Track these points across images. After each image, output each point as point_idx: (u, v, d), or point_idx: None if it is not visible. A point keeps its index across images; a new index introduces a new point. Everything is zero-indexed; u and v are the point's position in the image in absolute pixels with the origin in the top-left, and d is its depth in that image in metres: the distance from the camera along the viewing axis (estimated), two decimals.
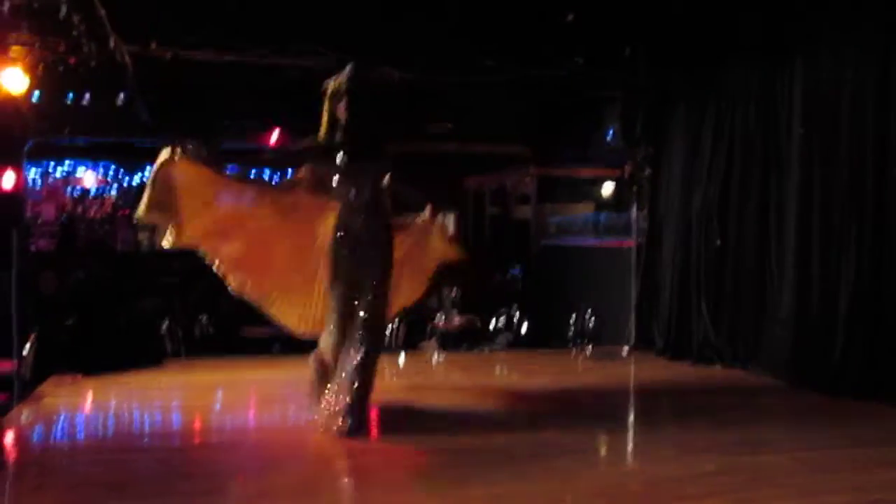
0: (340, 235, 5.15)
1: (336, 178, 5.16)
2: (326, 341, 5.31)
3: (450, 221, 5.82)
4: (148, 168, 5.91)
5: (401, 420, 5.61)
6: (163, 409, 6.15)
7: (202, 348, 8.68)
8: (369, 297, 5.06)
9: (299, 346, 9.01)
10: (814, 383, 6.36)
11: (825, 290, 6.47)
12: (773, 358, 6.93)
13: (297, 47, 7.61)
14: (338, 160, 5.14)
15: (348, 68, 5.22)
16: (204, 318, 9.38)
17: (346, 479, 4.39)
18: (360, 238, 5.13)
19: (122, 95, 8.42)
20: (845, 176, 6.32)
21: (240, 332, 9.37)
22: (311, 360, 5.47)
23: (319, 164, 5.28)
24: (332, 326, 5.23)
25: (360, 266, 5.09)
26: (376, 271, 5.13)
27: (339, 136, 5.15)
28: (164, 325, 8.54)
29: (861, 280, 6.15)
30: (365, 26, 7.29)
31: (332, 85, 5.20)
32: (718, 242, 7.64)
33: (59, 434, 5.46)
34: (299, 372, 7.50)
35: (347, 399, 4.99)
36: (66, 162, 13.00)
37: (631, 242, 9.04)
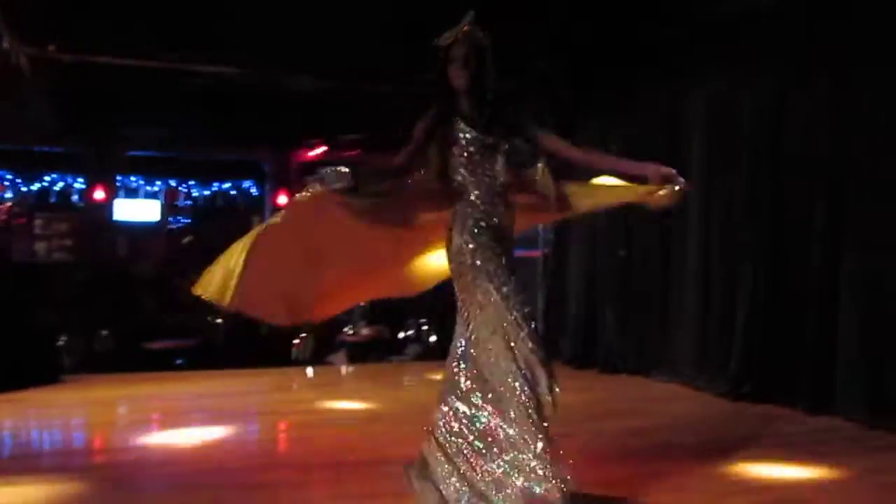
0: (477, 231, 3.80)
1: (463, 161, 3.86)
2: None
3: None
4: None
5: (310, 433, 5.55)
6: (63, 427, 5.93)
7: (102, 363, 8.41)
8: (526, 310, 3.74)
9: (202, 360, 8.92)
10: (714, 389, 6.57)
11: (725, 297, 6.69)
12: (676, 364, 7.13)
13: (212, 54, 7.46)
14: (463, 138, 3.86)
15: (466, 18, 3.99)
16: (104, 332, 9.10)
17: (255, 495, 4.30)
18: (503, 229, 3.89)
19: (22, 100, 8.11)
20: (744, 189, 6.55)
21: (141, 347, 9.13)
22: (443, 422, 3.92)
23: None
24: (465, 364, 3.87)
25: (509, 265, 3.83)
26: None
27: (463, 107, 3.90)
28: (62, 340, 8.25)
29: (757, 288, 6.38)
30: (280, 34, 7.20)
31: (445, 41, 3.97)
32: (623, 252, 7.81)
33: None
34: (204, 385, 7.38)
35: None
36: None
37: (537, 252, 9.16)
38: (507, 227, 3.91)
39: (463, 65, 3.90)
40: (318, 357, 9.10)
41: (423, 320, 9.66)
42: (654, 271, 7.56)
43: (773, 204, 6.30)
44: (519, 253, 9.79)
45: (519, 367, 3.61)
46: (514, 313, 3.66)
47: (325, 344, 9.47)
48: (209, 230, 15.37)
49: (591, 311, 8.26)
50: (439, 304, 11.39)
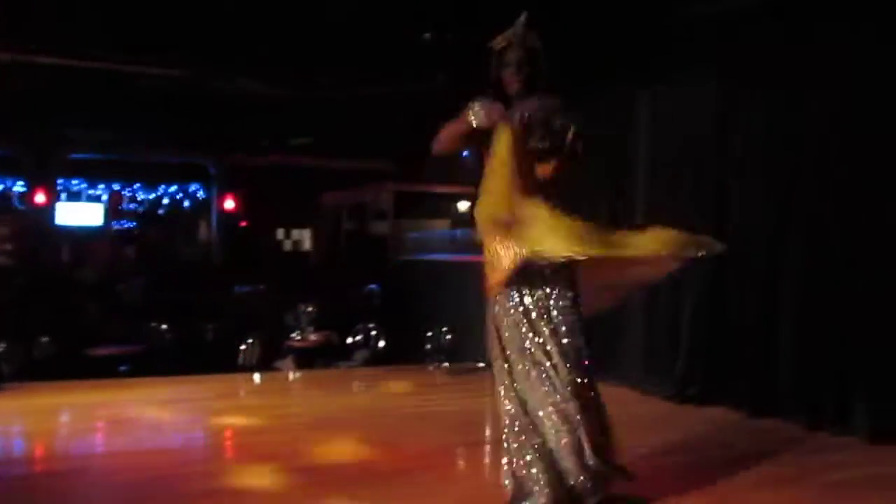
0: None
1: None
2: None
3: None
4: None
5: (257, 440, 5.49)
6: (2, 435, 5.79)
7: (43, 371, 8.22)
8: None
9: (147, 367, 8.78)
10: (662, 392, 6.64)
11: (670, 300, 6.78)
12: (624, 368, 7.19)
13: (154, 56, 7.36)
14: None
15: (520, 20, 3.89)
16: (44, 338, 8.90)
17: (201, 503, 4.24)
18: None
19: None
20: (689, 191, 6.65)
21: (84, 353, 8.96)
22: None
23: None
24: None
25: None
26: None
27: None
28: (1, 347, 8.05)
29: (703, 291, 6.48)
30: (225, 37, 7.13)
31: (498, 45, 3.88)
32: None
33: None
34: (149, 393, 7.26)
35: None
36: None
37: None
38: None
39: (516, 70, 3.85)
40: (264, 363, 9.02)
41: (371, 325, 9.63)
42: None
43: (718, 206, 6.40)
44: (468, 258, 9.82)
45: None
46: None
47: (271, 350, 9.39)
48: (155, 234, 15.17)
49: None
50: (388, 308, 11.40)
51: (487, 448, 5.50)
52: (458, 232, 11.32)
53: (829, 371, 5.53)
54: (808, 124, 5.75)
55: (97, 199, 15.00)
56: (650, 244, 3.76)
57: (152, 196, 15.32)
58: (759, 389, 5.95)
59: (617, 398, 6.86)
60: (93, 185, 14.83)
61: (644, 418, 6.11)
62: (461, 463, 5.19)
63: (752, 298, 6.06)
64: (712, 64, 6.49)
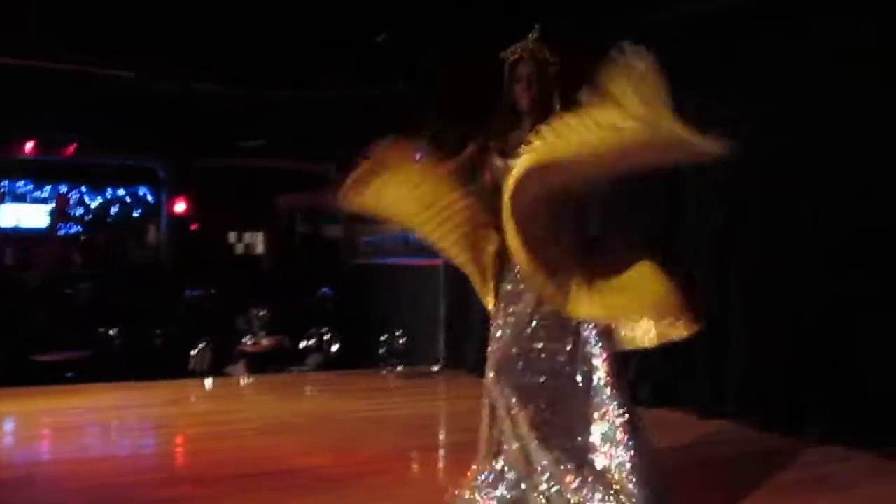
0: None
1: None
2: None
3: None
4: None
5: (209, 447, 5.42)
6: None
7: None
8: None
9: (95, 373, 8.62)
10: None
11: None
12: None
13: (103, 58, 7.24)
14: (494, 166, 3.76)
15: (533, 34, 3.82)
16: None
17: None
18: None
19: None
20: (638, 196, 6.67)
21: (30, 359, 8.77)
22: None
23: None
24: None
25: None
26: None
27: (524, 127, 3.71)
28: None
29: None
30: (177, 38, 7.04)
31: (510, 57, 3.81)
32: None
33: None
34: (97, 399, 7.13)
35: None
36: None
37: (439, 261, 9.18)
38: None
39: (527, 86, 3.76)
40: (216, 368, 8.91)
41: (325, 329, 9.56)
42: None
43: (673, 208, 6.48)
44: (422, 262, 9.83)
45: None
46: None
47: (223, 355, 9.28)
48: (103, 237, 14.90)
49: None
50: (341, 312, 11.34)
51: (441, 452, 5.51)
52: (412, 235, 11.29)
53: (780, 373, 5.62)
54: (754, 124, 5.83)
55: (43, 201, 14.69)
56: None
57: (100, 199, 15.05)
58: (710, 391, 6.02)
59: None
60: (39, 188, 14.53)
61: None
62: (415, 467, 5.17)
63: (702, 301, 6.13)
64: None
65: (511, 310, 3.72)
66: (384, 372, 8.73)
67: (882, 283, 5.08)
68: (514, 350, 3.63)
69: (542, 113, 3.66)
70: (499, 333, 3.71)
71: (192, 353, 8.75)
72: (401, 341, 9.31)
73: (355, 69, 8.06)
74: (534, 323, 3.65)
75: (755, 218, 5.86)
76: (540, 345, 3.63)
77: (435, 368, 8.62)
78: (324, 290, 12.23)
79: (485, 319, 8.74)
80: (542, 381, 3.59)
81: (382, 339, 9.26)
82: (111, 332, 9.62)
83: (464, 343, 8.73)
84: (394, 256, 11.09)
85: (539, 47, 3.79)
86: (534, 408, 3.54)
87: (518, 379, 3.58)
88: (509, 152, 3.64)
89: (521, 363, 3.62)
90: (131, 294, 11.18)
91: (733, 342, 5.91)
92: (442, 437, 6.07)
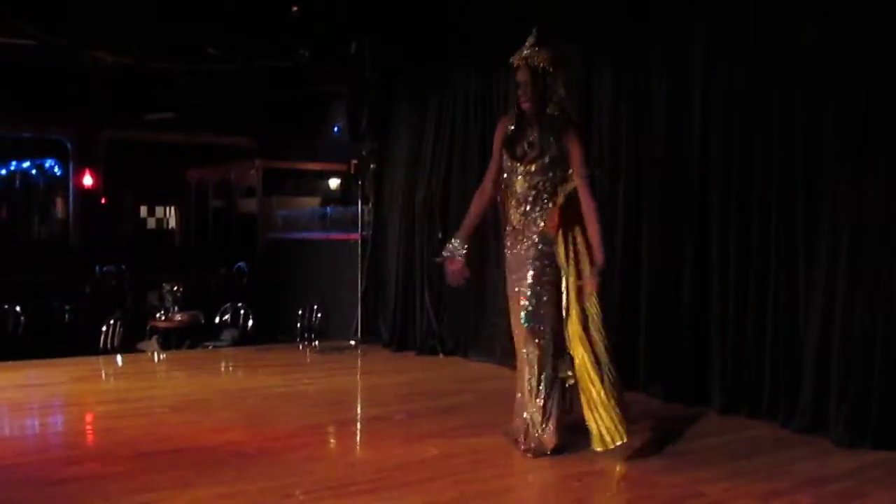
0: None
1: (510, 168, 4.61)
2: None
3: None
4: None
5: (119, 424, 5.33)
6: None
7: None
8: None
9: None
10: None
11: None
12: (491, 345, 7.32)
13: (7, 26, 6.95)
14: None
15: (529, 39, 4.48)
16: None
17: (56, 490, 4.08)
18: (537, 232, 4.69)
19: None
20: (606, 180, 6.50)
21: None
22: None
23: None
24: None
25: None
26: None
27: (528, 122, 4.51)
28: None
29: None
30: (80, 6, 6.80)
31: (512, 63, 4.50)
32: (440, 235, 7.92)
33: None
34: (1, 378, 6.92)
35: None
36: None
37: (357, 236, 9.17)
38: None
39: (523, 91, 4.39)
40: (128, 345, 8.73)
41: (240, 304, 9.46)
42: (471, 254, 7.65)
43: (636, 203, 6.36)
44: (339, 236, 9.72)
45: None
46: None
47: (135, 331, 9.10)
48: (6, 212, 14.41)
49: (409, 294, 8.32)
50: (257, 287, 11.24)
51: (357, 426, 5.53)
52: (329, 209, 11.24)
53: (686, 348, 5.77)
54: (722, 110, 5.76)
55: None
56: None
57: (3, 172, 14.51)
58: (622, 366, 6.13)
59: (485, 374, 7.03)
60: None
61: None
62: (331, 441, 5.18)
63: (661, 279, 6.01)
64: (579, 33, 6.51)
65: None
66: (300, 347, 8.69)
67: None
68: None
69: (541, 113, 4.40)
70: None
71: (103, 329, 8.55)
72: (317, 316, 9.27)
73: (263, 41, 7.93)
74: None
75: (654, 190, 5.98)
76: None
77: (351, 343, 8.62)
78: (239, 264, 12.09)
79: (399, 295, 8.81)
80: None
81: (298, 313, 9.21)
82: (16, 309, 9.33)
83: (379, 318, 8.75)
84: (310, 231, 11.03)
85: (533, 54, 4.39)
86: None
87: None
88: (517, 149, 4.47)
89: None
90: (37, 270, 10.86)
91: (642, 318, 6.04)
92: (358, 411, 6.09)
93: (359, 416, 5.85)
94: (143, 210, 15.14)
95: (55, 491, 3.98)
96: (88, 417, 5.80)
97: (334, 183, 13.53)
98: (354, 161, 9.19)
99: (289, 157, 12.81)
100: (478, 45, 7.50)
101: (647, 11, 6.10)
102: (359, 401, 6.48)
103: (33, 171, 14.48)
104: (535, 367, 4.47)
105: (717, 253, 5.59)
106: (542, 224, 4.48)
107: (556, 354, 4.53)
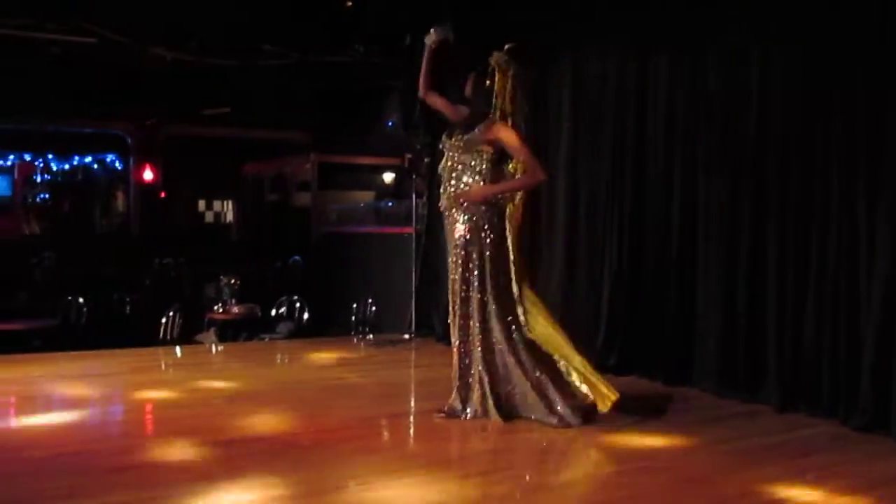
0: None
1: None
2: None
3: None
4: None
5: (178, 414, 5.42)
6: None
7: None
8: None
9: (61, 342, 8.55)
10: None
11: (590, 274, 6.89)
12: None
13: (59, 22, 7.10)
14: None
15: (507, 46, 5.22)
16: None
17: (117, 478, 4.16)
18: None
19: None
20: (609, 168, 6.73)
21: None
22: None
23: None
24: None
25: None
26: None
27: None
28: None
29: (622, 265, 6.60)
30: (139, 4, 6.92)
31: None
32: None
33: None
34: (64, 367, 7.09)
35: None
36: None
37: (411, 230, 9.19)
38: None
39: (496, 91, 5.13)
40: (186, 336, 8.87)
41: (295, 297, 9.55)
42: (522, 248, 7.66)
43: (633, 184, 6.52)
44: (392, 230, 9.74)
45: None
46: None
47: (193, 323, 9.25)
48: (69, 206, 14.73)
49: None
50: (312, 280, 11.34)
51: (410, 419, 5.54)
52: (382, 203, 11.29)
53: (741, 343, 5.70)
54: (721, 90, 5.87)
55: (7, 170, 14.48)
56: None
57: (66, 167, 14.85)
58: (675, 360, 6.12)
59: None
60: (2, 157, 14.30)
61: None
62: (384, 434, 5.20)
63: (672, 273, 6.18)
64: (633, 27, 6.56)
65: None
66: (354, 340, 8.75)
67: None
68: None
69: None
70: None
71: (163, 321, 8.70)
72: (371, 309, 9.32)
73: (323, 36, 7.99)
74: None
75: (714, 186, 5.93)
76: None
77: (405, 336, 8.65)
78: (294, 257, 12.21)
79: None
80: None
81: (353, 307, 9.27)
82: (79, 301, 9.55)
83: (432, 311, 8.76)
84: (364, 225, 11.09)
85: (505, 60, 5.03)
86: None
87: None
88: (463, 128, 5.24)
89: None
90: (98, 263, 11.10)
91: (700, 315, 6.00)
92: (412, 404, 6.10)
93: (412, 410, 5.87)
94: (202, 204, 15.37)
95: (117, 478, 4.05)
96: (148, 407, 5.90)
97: (388, 177, 13.58)
98: (408, 155, 9.20)
99: (343, 152, 12.89)
100: (527, 41, 7.45)
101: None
102: (412, 394, 6.50)
103: (95, 166, 14.78)
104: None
105: (774, 249, 5.51)
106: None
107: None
